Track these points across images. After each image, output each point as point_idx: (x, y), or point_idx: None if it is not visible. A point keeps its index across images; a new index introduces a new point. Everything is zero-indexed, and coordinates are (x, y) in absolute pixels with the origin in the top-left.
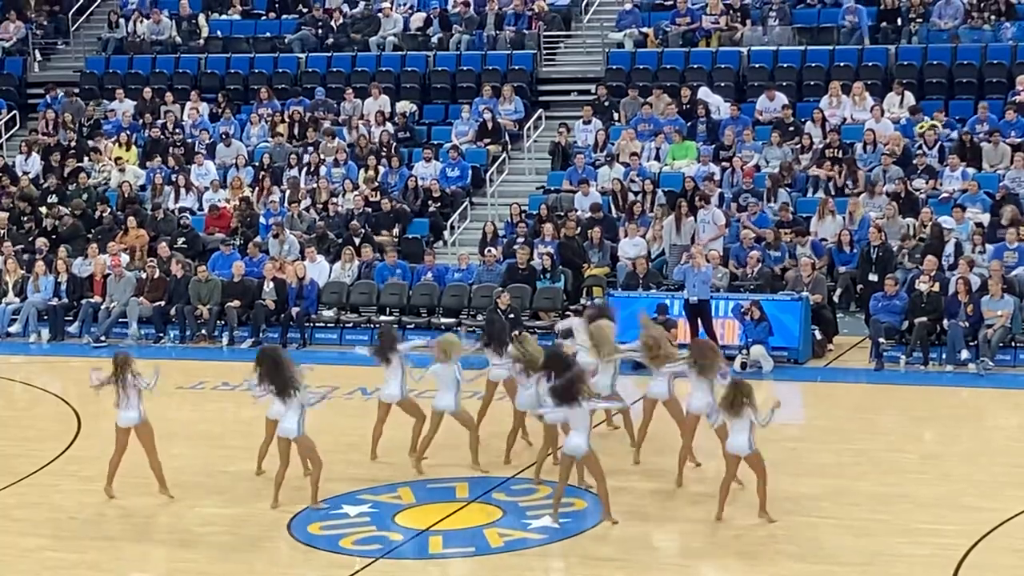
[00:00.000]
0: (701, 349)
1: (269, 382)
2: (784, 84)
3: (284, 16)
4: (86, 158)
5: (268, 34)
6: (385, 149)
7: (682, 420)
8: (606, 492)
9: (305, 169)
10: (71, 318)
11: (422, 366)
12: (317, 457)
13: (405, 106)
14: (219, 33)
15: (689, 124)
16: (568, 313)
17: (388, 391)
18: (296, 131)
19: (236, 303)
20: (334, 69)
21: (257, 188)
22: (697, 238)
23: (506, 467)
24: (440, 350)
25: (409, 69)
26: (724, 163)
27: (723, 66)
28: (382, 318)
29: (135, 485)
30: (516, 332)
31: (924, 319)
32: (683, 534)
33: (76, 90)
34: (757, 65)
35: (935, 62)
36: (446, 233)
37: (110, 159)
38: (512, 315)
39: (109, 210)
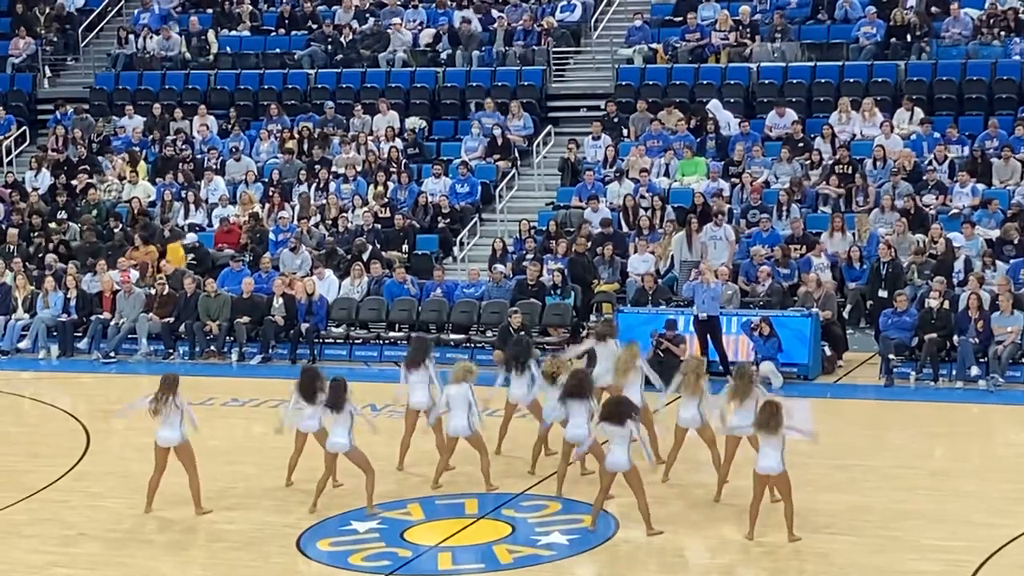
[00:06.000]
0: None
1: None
2: (793, 100)
3: (294, 32)
4: (95, 174)
5: (278, 50)
6: (394, 165)
7: (714, 444)
8: (646, 505)
9: (315, 185)
10: (80, 334)
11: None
12: (370, 466)
13: (414, 122)
14: (229, 49)
15: (699, 140)
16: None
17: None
18: (306, 147)
19: (245, 319)
20: (343, 85)
21: (267, 204)
22: (707, 255)
23: (515, 482)
24: (461, 373)
25: (418, 85)
26: (734, 179)
27: (732, 82)
28: (391, 334)
29: (144, 501)
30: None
31: (934, 335)
32: (691, 550)
33: (86, 106)
34: (767, 81)
35: (945, 78)
36: (455, 249)
37: (120, 175)
38: (524, 333)
39: (119, 226)
